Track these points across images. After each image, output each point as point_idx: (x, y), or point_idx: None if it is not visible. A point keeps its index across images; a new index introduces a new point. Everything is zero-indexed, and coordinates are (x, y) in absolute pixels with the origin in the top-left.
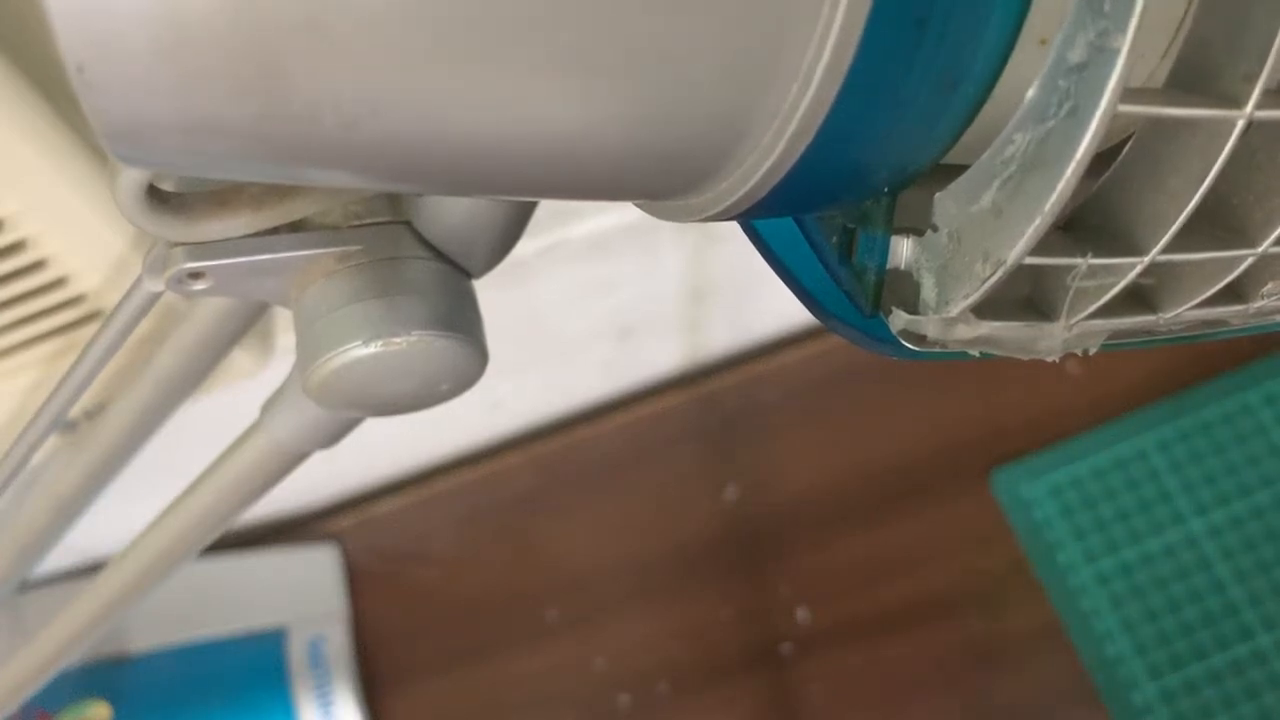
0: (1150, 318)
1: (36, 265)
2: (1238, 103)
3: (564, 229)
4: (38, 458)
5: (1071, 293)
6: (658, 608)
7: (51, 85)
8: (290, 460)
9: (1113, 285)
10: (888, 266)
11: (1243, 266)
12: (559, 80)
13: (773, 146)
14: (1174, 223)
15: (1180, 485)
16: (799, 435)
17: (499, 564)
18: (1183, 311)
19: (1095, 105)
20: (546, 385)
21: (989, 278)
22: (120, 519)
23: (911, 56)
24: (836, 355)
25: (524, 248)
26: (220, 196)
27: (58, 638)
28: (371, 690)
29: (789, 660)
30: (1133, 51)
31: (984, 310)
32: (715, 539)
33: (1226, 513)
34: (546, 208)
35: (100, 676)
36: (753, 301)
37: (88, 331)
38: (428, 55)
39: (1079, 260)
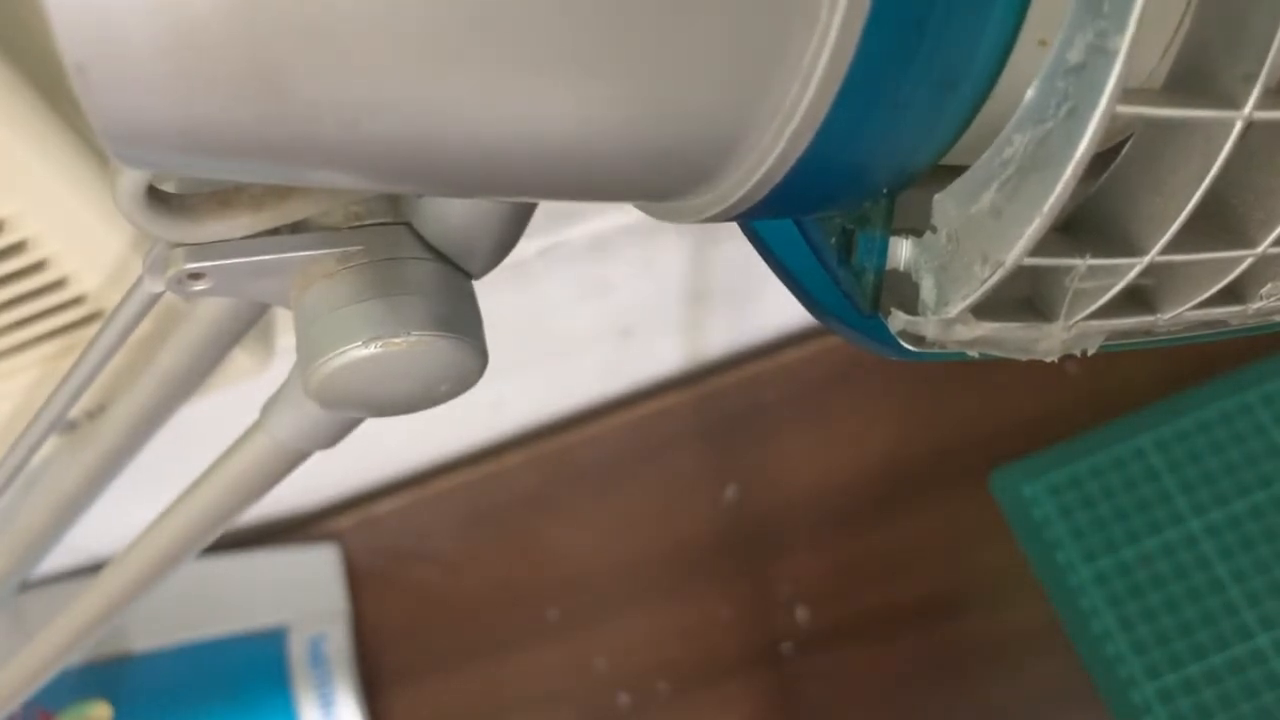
0: (1149, 318)
1: (37, 266)
2: (1236, 103)
3: (564, 229)
4: (38, 458)
5: (1070, 293)
6: (658, 608)
7: (51, 86)
8: (290, 460)
9: (1112, 286)
10: (887, 267)
11: (1242, 267)
12: (560, 82)
13: (772, 147)
14: (1173, 223)
15: (1179, 485)
16: (799, 435)
17: (499, 564)
18: (1182, 312)
19: (1094, 106)
20: (547, 385)
21: (988, 279)
22: (120, 519)
23: (910, 57)
24: (836, 355)
25: (524, 248)
26: (221, 197)
27: (58, 638)
28: (371, 690)
29: (789, 660)
30: (1131, 52)
31: (983, 311)
32: (715, 539)
33: (1225, 512)
34: (546, 208)
35: (101, 676)
36: (753, 301)
37: (88, 332)
38: (428, 57)
39: (1078, 261)
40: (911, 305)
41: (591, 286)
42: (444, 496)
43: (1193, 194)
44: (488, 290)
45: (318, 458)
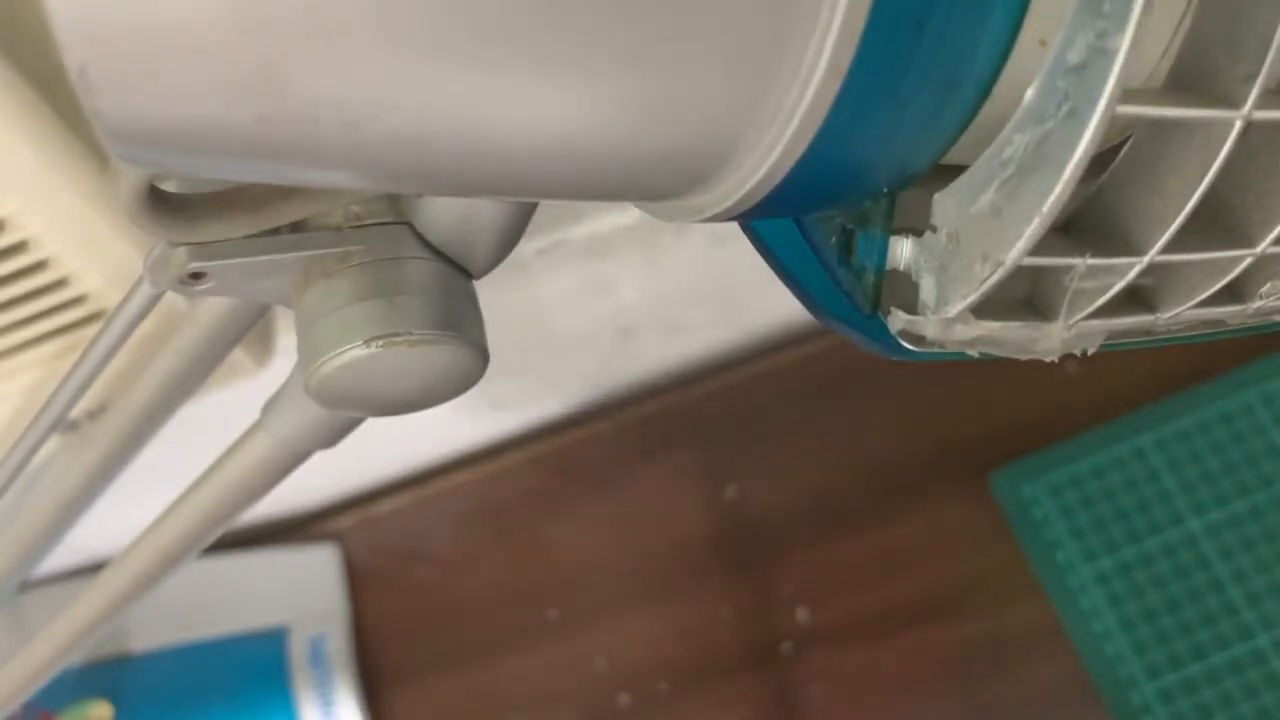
0: (1149, 318)
1: (38, 266)
2: (1236, 103)
3: (564, 229)
4: (39, 457)
5: (1070, 293)
6: (658, 608)
7: (52, 86)
8: (291, 460)
9: (1111, 286)
10: (887, 267)
11: (1241, 267)
12: (561, 83)
13: (772, 147)
14: (1172, 223)
15: (1179, 485)
16: (799, 435)
17: (499, 564)
18: (1181, 312)
19: (1094, 106)
20: (546, 385)
21: (988, 278)
22: (121, 519)
23: (910, 57)
24: (836, 355)
25: (524, 248)
26: (222, 197)
27: (58, 638)
28: (371, 690)
29: (789, 660)
30: (1131, 52)
31: (983, 310)
32: (715, 539)
33: (1225, 512)
34: (546, 208)
35: (101, 676)
36: (753, 301)
37: (89, 332)
38: (429, 56)
39: (1078, 261)
40: (911, 305)
41: (591, 286)
42: (444, 496)
43: (1192, 194)
44: (488, 290)
45: (318, 458)
